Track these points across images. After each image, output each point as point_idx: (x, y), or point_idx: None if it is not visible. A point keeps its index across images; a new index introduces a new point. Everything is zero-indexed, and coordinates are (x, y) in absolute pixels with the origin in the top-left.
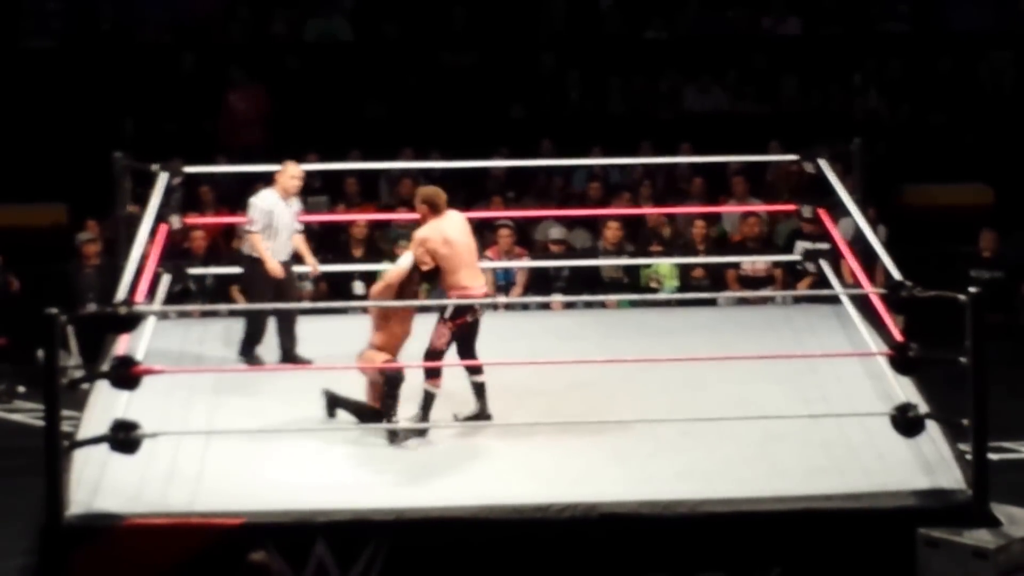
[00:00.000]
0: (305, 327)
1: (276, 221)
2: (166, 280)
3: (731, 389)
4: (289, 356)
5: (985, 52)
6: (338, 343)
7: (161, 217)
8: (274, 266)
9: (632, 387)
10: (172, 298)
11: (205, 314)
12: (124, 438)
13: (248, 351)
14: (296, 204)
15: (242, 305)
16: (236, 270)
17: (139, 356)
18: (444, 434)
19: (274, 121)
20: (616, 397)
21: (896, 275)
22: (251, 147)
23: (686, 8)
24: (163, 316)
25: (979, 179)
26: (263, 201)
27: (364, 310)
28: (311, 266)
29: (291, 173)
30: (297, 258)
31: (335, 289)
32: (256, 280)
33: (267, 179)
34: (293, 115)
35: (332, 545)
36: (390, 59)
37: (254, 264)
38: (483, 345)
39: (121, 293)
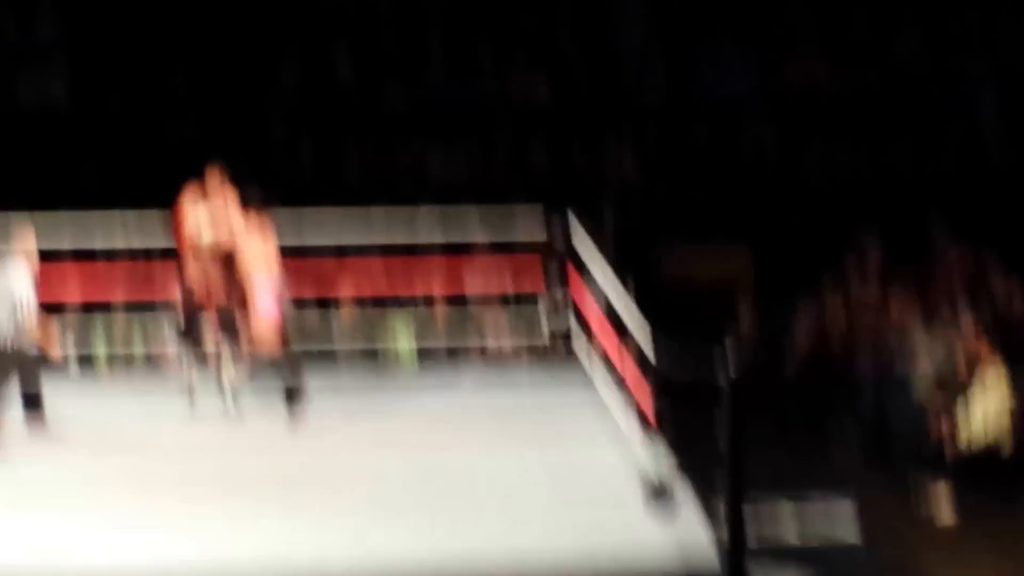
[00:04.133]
0: None
1: None
2: None
3: (476, 472)
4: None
5: (742, 120)
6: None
7: None
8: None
9: (367, 472)
10: None
11: None
12: None
13: None
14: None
15: None
16: None
17: None
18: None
19: None
20: (350, 482)
21: (651, 358)
22: None
23: (427, 76)
24: None
25: (737, 245)
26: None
27: None
28: None
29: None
30: None
31: None
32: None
33: None
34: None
35: None
36: (110, 130)
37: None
38: (212, 425)
39: None
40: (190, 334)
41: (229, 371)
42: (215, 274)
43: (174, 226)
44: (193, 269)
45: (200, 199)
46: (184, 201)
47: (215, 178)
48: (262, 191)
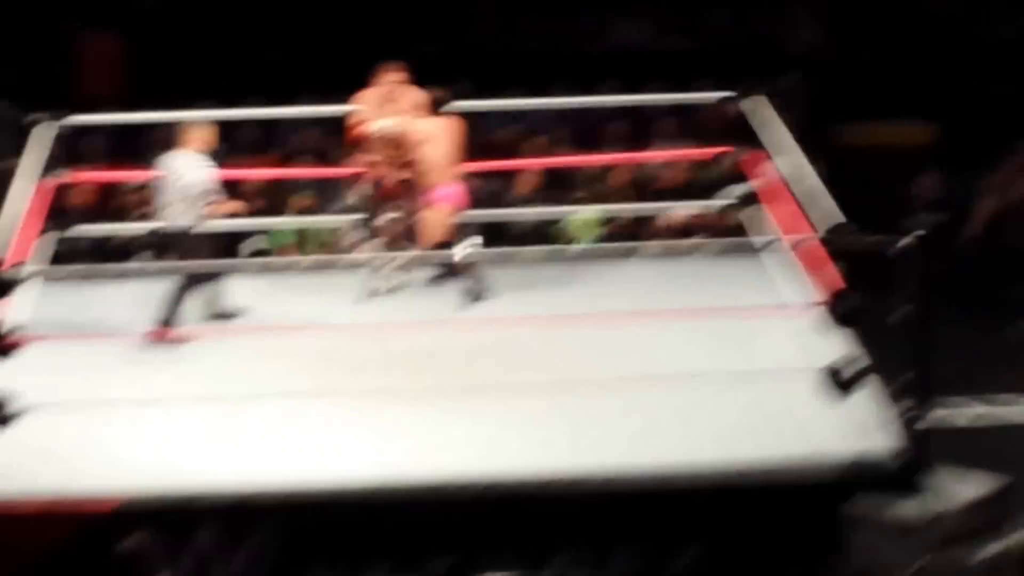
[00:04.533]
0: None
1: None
2: (49, 240)
3: (652, 350)
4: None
5: None
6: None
7: (42, 171)
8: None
9: (544, 348)
10: (56, 259)
11: (92, 276)
12: None
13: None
14: None
15: (133, 265)
16: (126, 228)
17: (18, 323)
18: (341, 402)
19: (159, 66)
20: (526, 360)
21: (839, 217)
22: (106, 96)
23: None
24: (46, 278)
25: (922, 116)
26: (208, 165)
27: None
28: None
29: (211, 130)
30: None
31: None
32: (199, 249)
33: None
34: (186, 59)
35: (217, 529)
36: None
37: (195, 236)
38: (384, 306)
39: None
40: (367, 218)
41: (403, 254)
42: (389, 164)
43: (351, 119)
44: (369, 158)
45: (377, 95)
46: (361, 95)
47: (392, 75)
48: (448, 89)
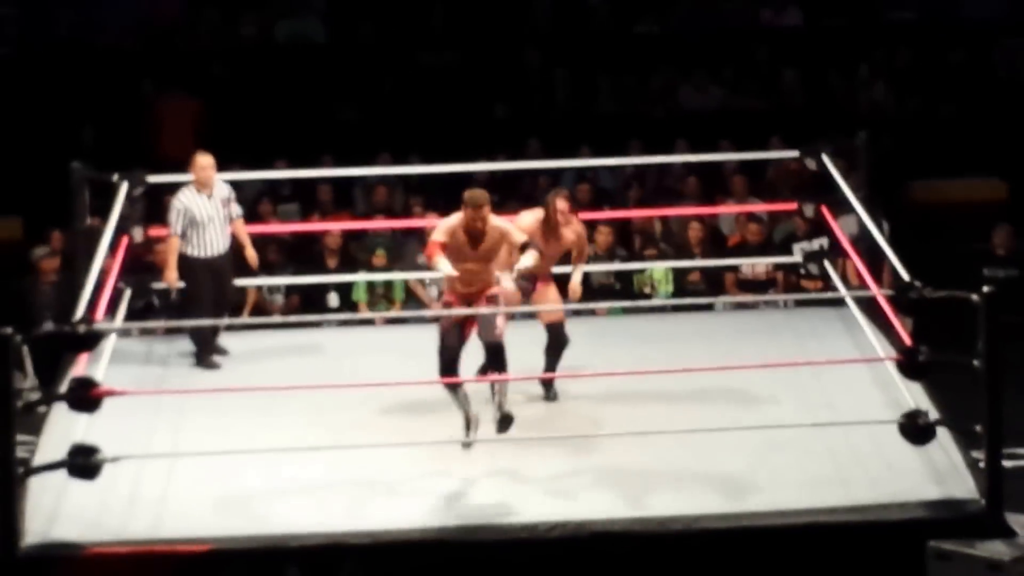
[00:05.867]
0: (278, 340)
1: (198, 217)
2: (128, 296)
3: (731, 398)
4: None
5: (998, 40)
6: (311, 358)
7: (122, 229)
8: (169, 276)
9: (626, 398)
10: (134, 315)
11: (169, 331)
12: (83, 463)
13: (203, 358)
14: (221, 192)
15: (204, 321)
16: None
17: (99, 376)
18: (423, 452)
19: (238, 126)
20: (609, 408)
21: (904, 275)
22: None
23: (679, 1)
24: (125, 334)
25: (992, 173)
26: (177, 201)
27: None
28: (250, 258)
29: (199, 164)
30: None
31: (309, 302)
32: (188, 283)
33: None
34: (262, 120)
35: (305, 570)
36: (365, 60)
37: (186, 268)
38: (466, 357)
39: (80, 310)
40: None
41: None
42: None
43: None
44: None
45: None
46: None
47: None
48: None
